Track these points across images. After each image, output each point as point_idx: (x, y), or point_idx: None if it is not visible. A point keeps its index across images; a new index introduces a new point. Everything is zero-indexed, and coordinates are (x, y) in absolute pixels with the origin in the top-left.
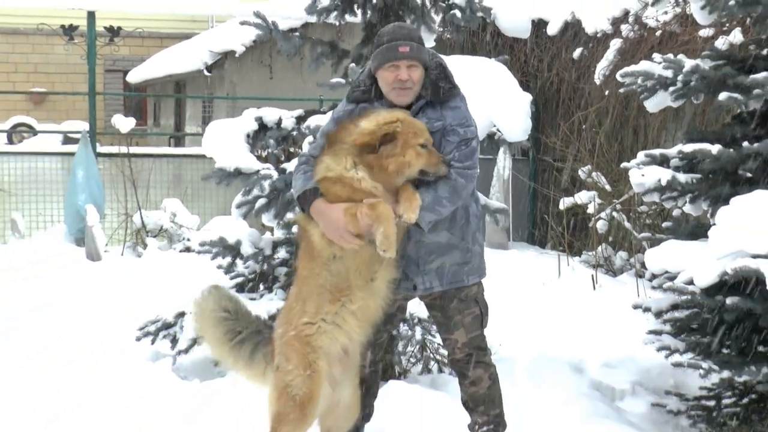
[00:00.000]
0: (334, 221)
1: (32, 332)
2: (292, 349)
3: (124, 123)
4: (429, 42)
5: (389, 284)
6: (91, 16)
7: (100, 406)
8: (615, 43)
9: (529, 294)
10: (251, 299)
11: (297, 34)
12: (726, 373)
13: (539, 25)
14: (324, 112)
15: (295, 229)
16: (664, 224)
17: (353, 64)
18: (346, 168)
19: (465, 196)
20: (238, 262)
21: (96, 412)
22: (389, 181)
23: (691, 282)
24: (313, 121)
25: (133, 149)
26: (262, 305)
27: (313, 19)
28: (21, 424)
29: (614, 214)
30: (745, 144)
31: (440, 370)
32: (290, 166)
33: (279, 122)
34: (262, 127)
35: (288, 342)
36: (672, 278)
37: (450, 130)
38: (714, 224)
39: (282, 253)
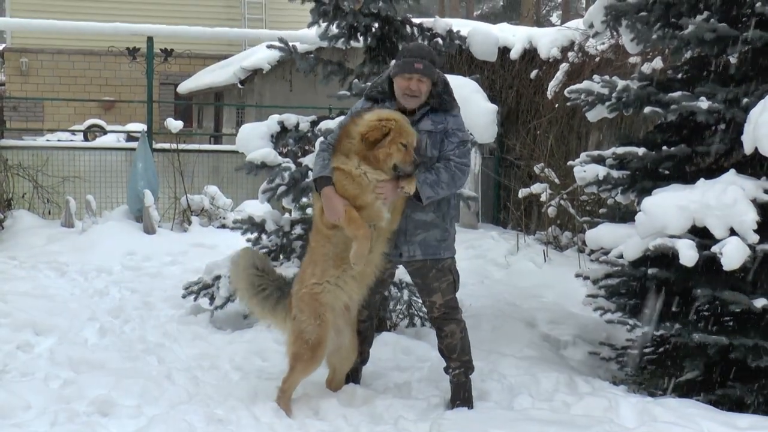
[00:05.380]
0: (335, 210)
1: (102, 284)
2: (305, 303)
3: (175, 125)
4: None
5: (382, 256)
6: (149, 40)
7: (155, 349)
8: (563, 67)
9: (494, 264)
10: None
11: (312, 55)
12: (647, 328)
13: (504, 51)
14: (333, 118)
15: (308, 210)
16: (601, 210)
17: (356, 80)
18: (355, 167)
19: (460, 185)
20: (263, 236)
21: (150, 353)
22: (380, 167)
23: (621, 256)
24: (324, 124)
25: (181, 146)
26: (281, 270)
27: (324, 43)
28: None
29: (561, 202)
30: (664, 148)
31: (422, 324)
32: (306, 160)
33: (297, 125)
34: (284, 129)
35: (302, 297)
36: (606, 253)
37: (452, 133)
38: (639, 211)
39: (298, 230)
